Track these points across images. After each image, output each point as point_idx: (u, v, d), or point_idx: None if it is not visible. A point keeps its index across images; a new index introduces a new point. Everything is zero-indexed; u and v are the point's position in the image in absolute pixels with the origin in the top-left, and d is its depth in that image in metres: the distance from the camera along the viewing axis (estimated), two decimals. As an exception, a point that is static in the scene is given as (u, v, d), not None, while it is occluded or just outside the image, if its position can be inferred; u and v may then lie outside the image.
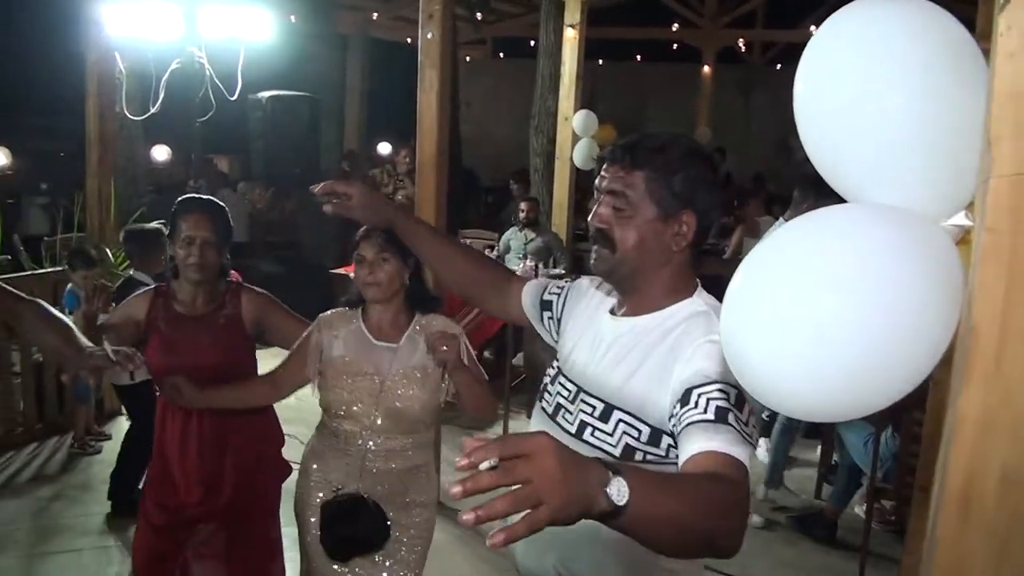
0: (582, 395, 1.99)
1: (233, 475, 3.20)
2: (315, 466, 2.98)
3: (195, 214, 3.11)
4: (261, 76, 8.73)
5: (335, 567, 2.90)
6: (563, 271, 7.84)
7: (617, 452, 1.86)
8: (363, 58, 15.69)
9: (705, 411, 1.65)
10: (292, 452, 5.67)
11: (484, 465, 1.14)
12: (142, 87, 7.37)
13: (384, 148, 14.30)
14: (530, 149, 10.09)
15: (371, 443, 2.87)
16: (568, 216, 8.74)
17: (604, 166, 1.95)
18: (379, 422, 2.85)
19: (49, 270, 6.38)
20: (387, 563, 2.90)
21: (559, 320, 2.23)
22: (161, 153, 12.01)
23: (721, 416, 1.64)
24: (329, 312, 3.03)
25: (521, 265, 7.60)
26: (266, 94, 9.58)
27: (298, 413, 3.79)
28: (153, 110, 7.26)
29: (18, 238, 6.94)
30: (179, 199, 3.21)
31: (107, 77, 6.51)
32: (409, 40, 5.84)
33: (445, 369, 2.84)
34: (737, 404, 1.66)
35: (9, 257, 6.84)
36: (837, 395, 1.26)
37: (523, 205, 8.42)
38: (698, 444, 1.61)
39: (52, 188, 9.78)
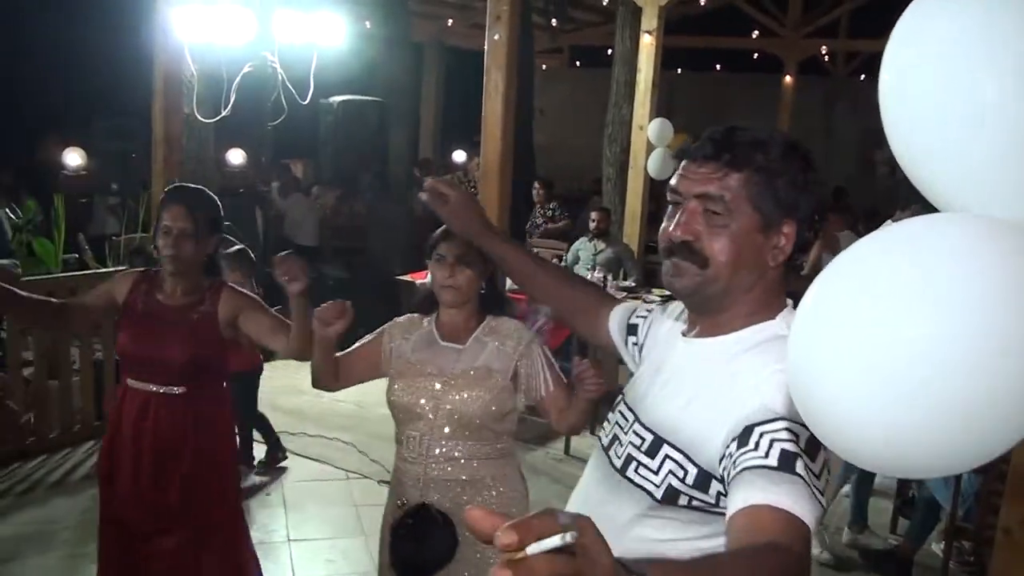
0: (635, 426, 1.75)
1: (182, 479, 3.13)
2: (392, 485, 2.88)
3: (174, 205, 3.05)
4: (334, 80, 8.71)
5: None
6: (633, 283, 7.65)
7: (659, 494, 1.61)
8: (438, 66, 15.72)
9: (767, 455, 1.39)
10: (355, 461, 5.79)
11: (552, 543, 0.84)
12: (213, 90, 7.38)
13: (459, 156, 14.27)
14: (603, 158, 9.93)
15: (435, 449, 2.73)
16: (641, 227, 8.54)
17: (686, 164, 1.65)
18: (441, 425, 2.72)
19: (112, 269, 6.36)
20: None
21: (641, 346, 1.98)
22: (236, 157, 12.07)
23: (786, 463, 1.37)
24: (403, 317, 2.96)
25: (590, 276, 7.42)
26: (337, 99, 9.57)
27: (359, 422, 3.64)
28: (224, 113, 7.24)
29: (83, 237, 6.98)
30: (166, 188, 3.20)
31: (174, 78, 6.51)
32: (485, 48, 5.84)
33: (519, 366, 2.76)
34: (809, 450, 1.39)
35: (76, 256, 6.88)
36: (928, 446, 1.01)
37: (594, 215, 8.22)
38: (753, 495, 1.35)
39: (123, 188, 9.86)
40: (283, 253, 2.85)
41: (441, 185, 2.23)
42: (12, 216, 7.12)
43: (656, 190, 8.87)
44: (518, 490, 2.85)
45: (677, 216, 1.63)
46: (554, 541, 0.83)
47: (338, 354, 2.87)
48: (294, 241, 10.02)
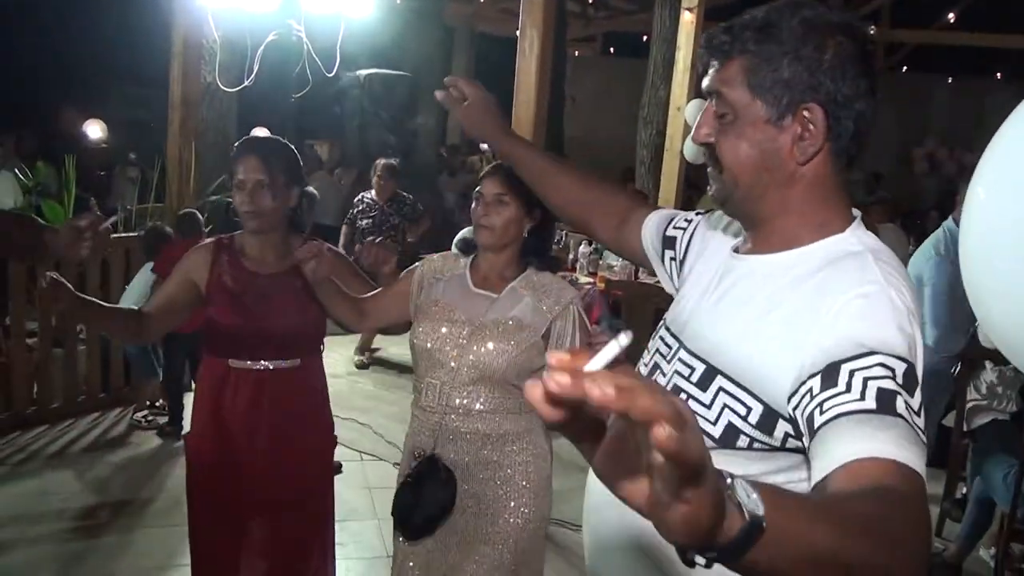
0: (681, 352, 1.52)
1: (301, 454, 2.90)
2: (407, 434, 2.72)
3: (247, 156, 2.76)
4: (360, 54, 8.48)
5: (408, 549, 2.66)
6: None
7: (716, 432, 1.38)
8: (469, 51, 15.51)
9: (862, 396, 1.16)
10: (369, 443, 5.54)
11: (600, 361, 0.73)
12: (236, 58, 7.20)
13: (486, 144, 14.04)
14: (637, 141, 9.63)
15: (455, 399, 2.56)
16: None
17: (708, 62, 1.46)
18: (463, 375, 2.56)
19: (125, 234, 6.14)
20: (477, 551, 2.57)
21: (681, 262, 1.75)
22: (261, 133, 11.90)
23: (886, 404, 1.15)
24: (439, 255, 2.82)
25: (620, 262, 7.14)
26: (364, 72, 9.34)
27: (376, 403, 3.38)
28: (247, 83, 7.03)
29: (95, 201, 6.78)
30: (241, 143, 2.87)
31: (193, 40, 6.31)
32: (517, 34, 5.61)
33: (554, 323, 2.56)
34: (907, 385, 1.18)
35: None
36: None
37: (628, 198, 7.90)
38: (855, 446, 1.12)
39: (140, 158, 9.68)
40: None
41: (461, 82, 2.13)
42: (22, 177, 6.92)
43: (691, 175, 8.60)
44: (542, 447, 2.66)
45: (701, 118, 1.47)
46: (611, 348, 0.73)
47: (363, 296, 2.79)
48: (315, 220, 9.79)
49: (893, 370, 1.18)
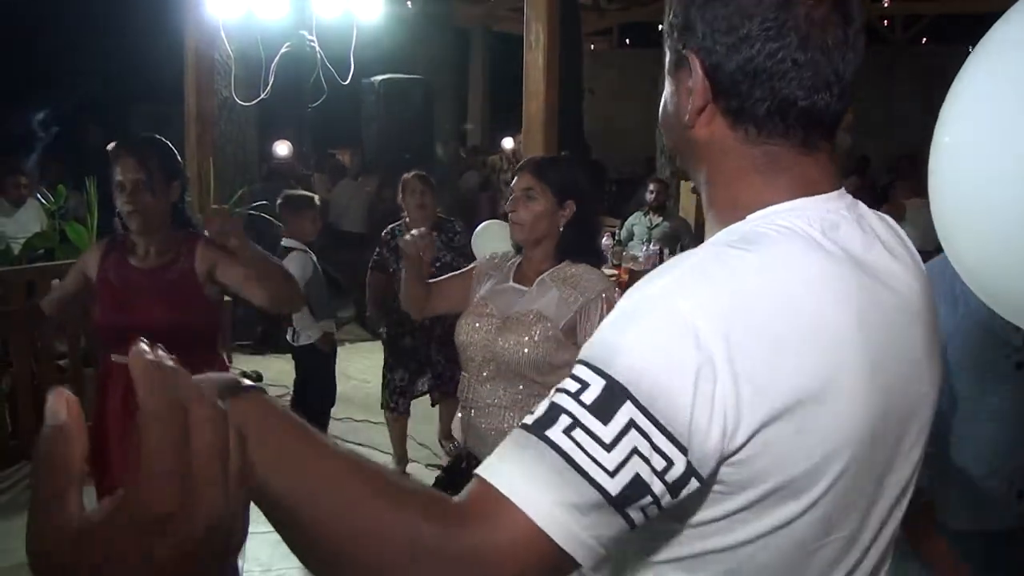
0: None
1: None
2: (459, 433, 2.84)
3: (123, 156, 2.76)
4: (374, 61, 8.49)
5: None
6: (692, 258, 7.32)
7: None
8: (484, 52, 15.50)
9: (535, 409, 0.92)
10: (383, 437, 5.56)
11: None
12: (252, 71, 7.24)
13: (507, 143, 14.05)
14: (656, 131, 9.57)
15: (479, 394, 2.58)
16: (697, 201, 8.18)
17: None
18: (483, 369, 2.60)
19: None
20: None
21: None
22: (282, 148, 11.99)
23: (544, 419, 0.90)
24: (496, 253, 2.89)
25: (644, 249, 7.12)
26: (379, 78, 9.35)
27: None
28: (263, 95, 7.07)
29: (118, 221, 6.80)
30: (117, 142, 2.88)
31: (205, 54, 6.37)
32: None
33: (580, 318, 2.53)
34: (598, 404, 0.87)
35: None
36: None
37: (652, 186, 7.90)
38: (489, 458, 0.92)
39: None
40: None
41: None
42: (44, 202, 6.99)
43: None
44: None
45: None
46: None
47: (432, 280, 2.86)
48: (340, 227, 9.83)
49: (584, 384, 0.89)
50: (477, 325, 2.61)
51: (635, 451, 0.86)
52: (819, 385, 0.92)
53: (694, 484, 0.89)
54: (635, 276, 6.76)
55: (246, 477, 0.56)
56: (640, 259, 7.13)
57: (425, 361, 5.25)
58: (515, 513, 0.84)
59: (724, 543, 0.97)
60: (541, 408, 0.91)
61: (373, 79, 9.38)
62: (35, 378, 5.42)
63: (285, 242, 4.94)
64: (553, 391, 0.92)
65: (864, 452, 0.98)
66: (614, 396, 0.87)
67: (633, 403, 0.86)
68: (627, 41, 19.36)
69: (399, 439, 5.31)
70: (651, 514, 0.89)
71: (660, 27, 8.09)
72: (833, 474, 0.96)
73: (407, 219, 5.05)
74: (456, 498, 0.88)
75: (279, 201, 5.33)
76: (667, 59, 1.10)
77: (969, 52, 1.39)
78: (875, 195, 9.16)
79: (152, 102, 11.94)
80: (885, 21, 16.78)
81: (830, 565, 1.03)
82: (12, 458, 5.29)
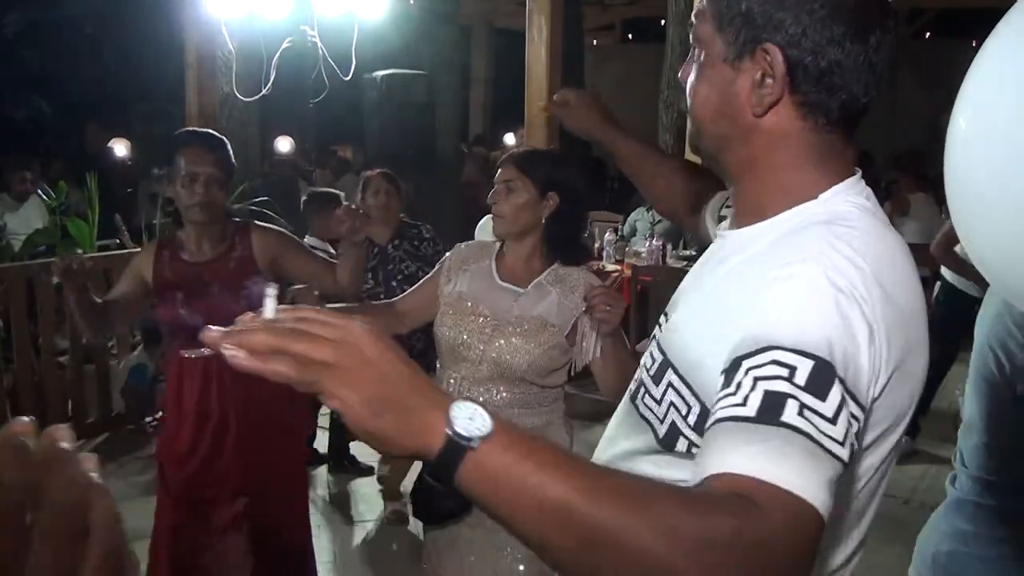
0: (652, 344, 1.39)
1: (258, 439, 2.94)
2: None
3: (196, 147, 2.82)
4: (375, 57, 8.46)
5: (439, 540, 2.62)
6: (695, 252, 7.29)
7: (662, 432, 1.26)
8: (487, 48, 15.45)
9: (745, 401, 0.98)
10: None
11: (268, 311, 0.88)
12: (253, 68, 7.23)
13: (510, 139, 14.02)
14: (659, 124, 9.54)
15: (475, 394, 2.50)
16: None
17: None
18: (482, 370, 2.54)
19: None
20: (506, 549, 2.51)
21: None
22: (285, 144, 11.96)
23: (769, 411, 0.95)
24: (465, 244, 2.81)
25: (647, 244, 7.10)
26: (381, 73, 9.31)
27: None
28: (265, 91, 7.05)
29: (119, 217, 6.81)
30: (180, 135, 2.98)
31: (206, 51, 6.33)
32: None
33: (579, 324, 2.50)
34: (813, 383, 0.97)
35: (118, 242, 6.72)
36: None
37: (654, 182, 7.84)
38: (715, 459, 0.96)
39: (164, 173, 9.73)
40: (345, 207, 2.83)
41: (566, 93, 2.15)
42: (45, 199, 7.00)
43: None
44: (563, 438, 2.60)
45: None
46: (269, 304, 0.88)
47: (394, 299, 2.85)
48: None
49: (792, 369, 0.98)
50: (469, 325, 2.56)
51: (849, 419, 0.98)
52: (914, 338, 1.11)
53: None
54: (638, 271, 6.74)
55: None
56: (643, 254, 7.11)
57: None
58: (790, 499, 0.90)
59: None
60: (754, 399, 0.97)
61: (375, 74, 9.35)
62: (36, 375, 5.42)
63: (308, 240, 4.86)
64: (751, 379, 0.99)
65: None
66: (823, 373, 0.97)
67: (838, 376, 0.98)
68: (630, 36, 19.30)
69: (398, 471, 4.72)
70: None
71: (663, 22, 8.06)
72: (902, 426, 1.16)
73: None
74: (719, 492, 0.93)
75: (303, 199, 5.33)
76: (720, 47, 1.20)
77: (974, 46, 1.38)
78: (878, 190, 9.09)
79: (153, 99, 11.95)
80: (889, 16, 16.75)
81: (875, 508, 1.22)
82: (14, 455, 5.28)
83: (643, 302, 6.78)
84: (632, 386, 1.42)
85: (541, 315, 2.53)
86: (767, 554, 0.88)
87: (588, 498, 0.85)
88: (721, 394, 1.02)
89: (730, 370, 1.03)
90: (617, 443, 1.39)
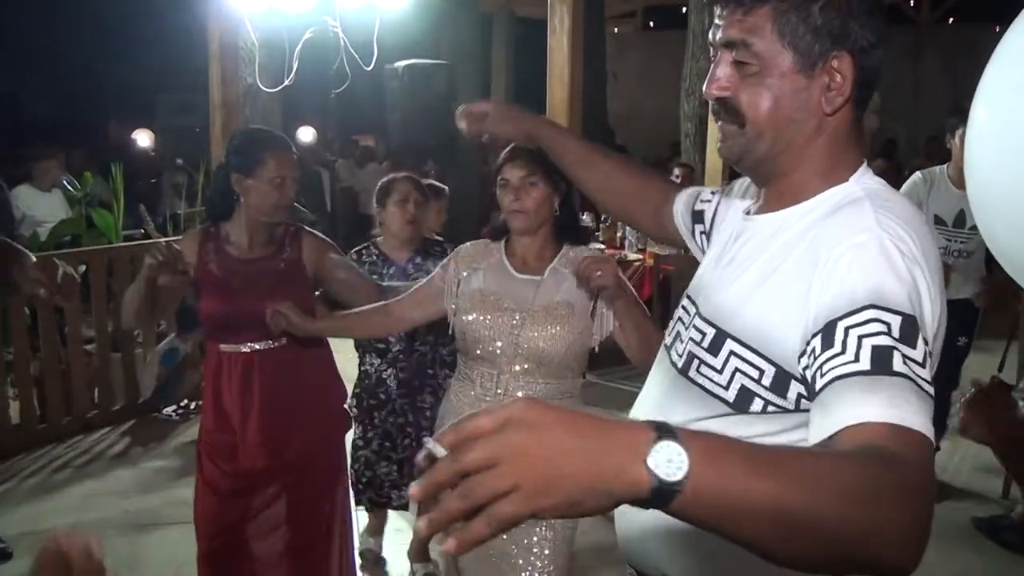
0: (696, 319, 1.51)
1: (297, 433, 2.96)
2: (449, 422, 2.67)
3: (286, 153, 2.87)
4: (397, 47, 8.47)
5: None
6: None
7: (730, 396, 1.38)
8: (507, 37, 15.42)
9: (857, 357, 1.12)
10: None
11: (438, 451, 0.86)
12: (275, 58, 7.23)
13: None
14: (680, 114, 9.50)
15: (510, 388, 2.54)
16: (722, 183, 8.11)
17: (717, 11, 1.42)
18: (520, 363, 2.55)
19: (175, 237, 6.23)
20: (532, 539, 2.54)
21: (708, 234, 1.72)
22: (307, 135, 12.03)
23: (882, 362, 1.10)
24: (468, 244, 2.78)
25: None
26: (402, 63, 9.32)
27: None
28: (287, 82, 7.08)
29: (144, 207, 6.88)
30: (263, 133, 3.00)
31: (229, 42, 6.35)
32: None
33: (598, 299, 2.52)
34: (905, 337, 1.13)
35: (143, 232, 6.78)
36: None
37: (677, 171, 7.88)
38: (845, 412, 1.08)
39: (187, 163, 9.82)
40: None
41: (471, 108, 2.13)
42: (71, 189, 7.05)
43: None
44: None
45: (711, 71, 1.41)
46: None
47: (392, 300, 2.81)
48: (366, 212, 9.87)
49: (888, 324, 1.13)
50: (495, 321, 2.57)
51: (930, 363, 1.14)
52: (941, 300, 1.24)
53: None
54: (660, 260, 6.74)
55: None
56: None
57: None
58: (917, 436, 1.05)
59: None
60: (865, 354, 1.12)
61: (397, 65, 9.36)
62: (63, 363, 5.48)
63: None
64: (855, 338, 1.14)
65: None
66: (911, 326, 1.14)
67: (920, 327, 1.14)
68: (651, 24, 19.21)
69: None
70: None
71: (684, 9, 8.01)
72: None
73: (381, 235, 3.89)
74: (859, 444, 1.04)
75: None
76: (791, 60, 1.34)
77: (997, 32, 1.42)
78: (902, 178, 9.04)
79: (176, 90, 12.02)
80: (912, 1, 16.57)
81: None
82: (41, 441, 5.37)
83: (665, 290, 6.78)
84: (679, 361, 1.51)
85: (565, 299, 2.55)
86: (919, 489, 0.99)
87: (790, 492, 0.89)
88: (825, 356, 1.16)
89: (826, 333, 1.18)
90: (671, 415, 1.44)
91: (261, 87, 7.37)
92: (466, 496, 0.83)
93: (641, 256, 7.08)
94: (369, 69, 6.92)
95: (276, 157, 2.82)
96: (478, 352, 2.60)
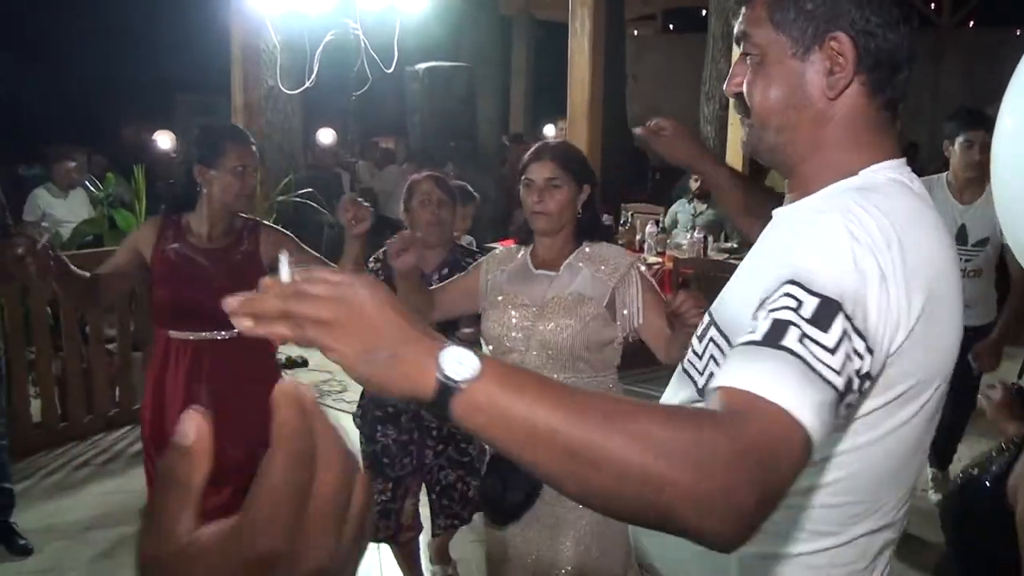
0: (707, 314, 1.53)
1: (246, 430, 2.92)
2: None
3: (246, 144, 2.96)
4: (417, 49, 8.50)
5: (499, 533, 2.67)
6: (736, 244, 7.26)
7: (701, 382, 1.41)
8: (528, 39, 15.46)
9: (754, 330, 1.07)
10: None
11: (284, 274, 0.94)
12: (296, 61, 7.29)
13: (549, 131, 14.04)
14: (700, 116, 9.50)
15: None
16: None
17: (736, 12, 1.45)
18: (532, 357, 2.58)
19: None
20: (559, 533, 2.58)
21: None
22: (327, 136, 12.08)
23: (774, 334, 1.04)
24: (501, 248, 2.90)
25: (689, 236, 7.07)
26: (422, 66, 9.35)
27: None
28: (308, 84, 7.12)
29: (164, 208, 6.91)
30: (223, 126, 3.19)
31: (251, 45, 6.43)
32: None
33: (616, 296, 2.56)
34: (817, 317, 1.05)
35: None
36: None
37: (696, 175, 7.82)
38: (722, 376, 1.04)
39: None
40: (349, 197, 2.77)
41: (661, 121, 2.17)
42: (93, 189, 7.10)
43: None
44: None
45: (731, 69, 1.44)
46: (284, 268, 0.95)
47: (433, 287, 2.88)
48: (385, 214, 9.88)
49: (800, 302, 1.07)
50: (511, 317, 2.62)
51: (850, 352, 1.06)
52: (940, 294, 1.19)
53: (869, 382, 1.11)
54: (679, 264, 6.73)
55: (364, 529, 0.56)
56: (684, 246, 7.08)
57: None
58: (781, 414, 0.97)
59: (855, 443, 1.22)
60: (763, 327, 1.06)
61: (417, 67, 9.38)
62: (84, 362, 5.52)
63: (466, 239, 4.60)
64: (766, 314, 1.08)
65: (947, 376, 1.26)
66: (829, 308, 1.06)
67: (844, 313, 1.07)
68: (671, 26, 19.20)
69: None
70: (846, 411, 1.12)
71: (704, 12, 8.02)
72: (933, 387, 1.24)
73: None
74: (711, 406, 1.02)
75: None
76: (786, 46, 1.32)
77: (1018, 35, 1.41)
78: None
79: (198, 92, 12.09)
80: (932, 4, 16.46)
81: (913, 476, 1.32)
82: (62, 440, 5.40)
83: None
84: (683, 352, 1.54)
85: (577, 290, 2.58)
86: (752, 461, 0.93)
87: (572, 421, 0.92)
88: (746, 329, 1.11)
89: (757, 311, 1.13)
90: (666, 401, 1.50)
91: (282, 89, 7.44)
92: (285, 300, 0.92)
93: (660, 259, 7.07)
94: (389, 71, 6.96)
95: (236, 148, 2.91)
96: (498, 348, 2.65)
